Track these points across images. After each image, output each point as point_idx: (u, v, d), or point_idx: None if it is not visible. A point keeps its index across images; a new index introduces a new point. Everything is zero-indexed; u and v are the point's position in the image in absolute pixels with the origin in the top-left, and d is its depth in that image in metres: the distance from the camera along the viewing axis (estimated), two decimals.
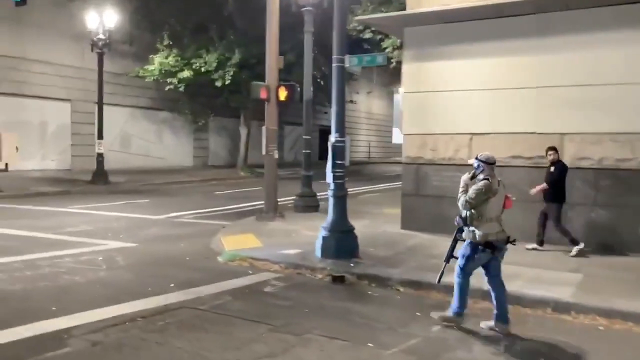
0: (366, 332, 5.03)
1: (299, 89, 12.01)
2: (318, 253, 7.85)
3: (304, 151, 13.10)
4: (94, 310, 5.33)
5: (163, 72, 22.87)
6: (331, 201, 7.95)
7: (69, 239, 9.26)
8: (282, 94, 11.54)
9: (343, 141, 7.92)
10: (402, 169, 10.65)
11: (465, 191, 5.19)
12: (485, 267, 5.29)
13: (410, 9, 9.89)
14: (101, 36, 18.77)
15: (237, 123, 28.81)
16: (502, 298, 5.27)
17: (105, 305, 5.51)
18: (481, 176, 5.19)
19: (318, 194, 13.14)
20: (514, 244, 5.33)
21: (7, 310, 5.34)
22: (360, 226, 8.74)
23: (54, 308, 5.38)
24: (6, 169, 16.08)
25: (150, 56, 23.33)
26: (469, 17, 9.46)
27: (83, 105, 24.10)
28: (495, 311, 5.24)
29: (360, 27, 16.98)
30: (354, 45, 21.37)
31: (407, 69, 10.23)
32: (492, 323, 5.25)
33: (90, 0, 19.38)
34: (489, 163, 5.21)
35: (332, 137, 7.93)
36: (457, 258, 5.34)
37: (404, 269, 7.24)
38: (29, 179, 19.08)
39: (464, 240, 5.23)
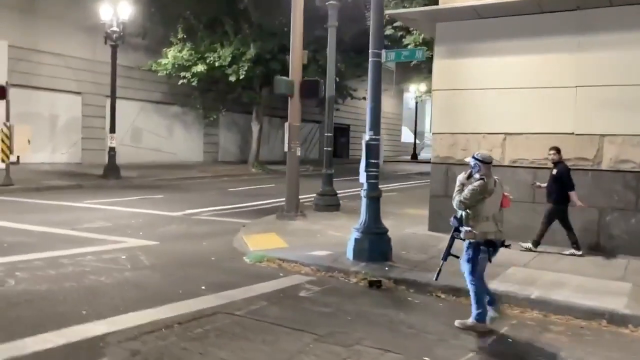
0: (418, 344, 4.71)
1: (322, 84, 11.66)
2: (350, 255, 7.54)
3: (325, 148, 12.80)
4: (126, 315, 5.02)
5: (176, 66, 22.53)
6: (364, 202, 7.62)
7: (88, 236, 8.96)
8: (306, 89, 11.21)
9: (378, 139, 7.60)
10: (430, 169, 10.30)
11: (461, 191, 5.12)
12: None
13: (444, 4, 9.53)
14: (115, 28, 18.45)
15: (247, 119, 28.53)
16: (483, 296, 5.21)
17: (137, 309, 5.21)
18: (477, 175, 5.12)
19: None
20: (508, 248, 5.31)
21: (35, 313, 5.04)
22: (387, 227, 8.43)
23: (84, 312, 5.07)
24: (17, 162, 15.79)
25: (164, 50, 23.00)
26: (505, 13, 9.10)
27: (94, 98, 23.80)
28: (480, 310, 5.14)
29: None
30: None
31: (438, 66, 9.88)
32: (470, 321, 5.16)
33: None
34: (486, 162, 5.13)
35: (367, 135, 7.61)
36: (456, 257, 5.30)
37: (442, 274, 6.91)
38: (40, 172, 18.81)
39: (463, 239, 5.16)
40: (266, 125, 28.73)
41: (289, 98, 11.40)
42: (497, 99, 9.39)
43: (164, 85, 25.47)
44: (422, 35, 14.81)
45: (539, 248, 8.45)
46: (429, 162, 11.05)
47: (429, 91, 33.60)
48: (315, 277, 6.92)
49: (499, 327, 5.23)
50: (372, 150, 7.49)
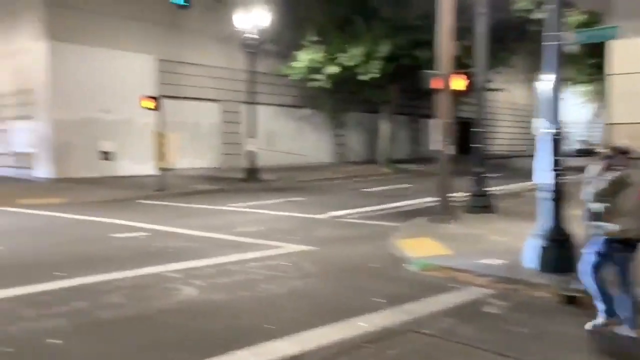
0: None
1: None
2: (530, 264, 6.72)
3: (474, 145, 11.91)
4: (312, 332, 4.73)
5: (309, 68, 22.74)
6: (547, 204, 6.76)
7: (245, 240, 9.02)
8: (458, 83, 10.47)
9: (560, 133, 6.70)
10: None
11: (595, 183, 4.72)
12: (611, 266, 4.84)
13: None
14: (252, 36, 18.96)
15: (371, 118, 28.21)
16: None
17: (319, 325, 4.91)
18: (614, 167, 4.71)
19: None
20: None
21: (220, 326, 4.93)
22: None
23: (266, 326, 4.88)
24: (170, 169, 16.74)
25: (294, 53, 23.32)
26: None
27: (230, 105, 24.85)
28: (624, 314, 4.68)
29: (531, 7, 15.28)
30: (513, 29, 19.60)
31: (619, 46, 8.65)
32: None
33: (239, 2, 19.68)
34: (624, 152, 4.76)
35: (544, 128, 6.73)
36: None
37: None
38: (186, 177, 19.88)
39: (603, 236, 4.72)
40: (394, 123, 28.13)
41: (438, 93, 10.72)
42: None
43: (294, 88, 25.89)
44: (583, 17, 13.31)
45: None
46: (575, 156, 9.79)
47: (568, 79, 30.72)
48: (494, 290, 6.23)
49: None
50: (557, 145, 6.61)
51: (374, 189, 18.21)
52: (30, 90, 20.56)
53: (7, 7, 21.35)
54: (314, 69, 22.85)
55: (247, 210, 13.08)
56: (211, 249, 8.28)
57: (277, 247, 8.52)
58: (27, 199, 14.56)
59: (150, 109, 16.64)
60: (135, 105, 18.88)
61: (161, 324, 4.90)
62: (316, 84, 23.44)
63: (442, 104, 10.78)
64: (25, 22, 20.57)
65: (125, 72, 21.05)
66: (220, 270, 6.88)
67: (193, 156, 23.62)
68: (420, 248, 8.23)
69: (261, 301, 5.66)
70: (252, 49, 19.16)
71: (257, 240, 9.06)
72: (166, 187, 16.56)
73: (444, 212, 10.71)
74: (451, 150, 10.78)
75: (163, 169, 16.77)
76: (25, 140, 21.03)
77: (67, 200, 14.84)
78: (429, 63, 19.53)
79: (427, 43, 20.47)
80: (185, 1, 14.99)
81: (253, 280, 6.42)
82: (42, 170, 20.13)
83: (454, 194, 11.98)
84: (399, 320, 5.09)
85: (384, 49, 21.22)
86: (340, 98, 25.81)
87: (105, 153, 20.67)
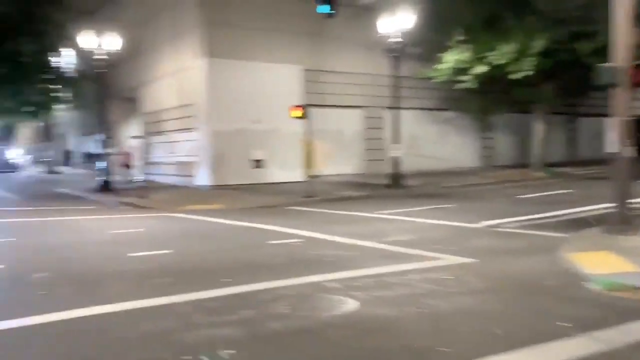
0: None
1: None
2: None
3: None
4: (496, 358, 4.26)
5: (455, 69, 21.89)
6: None
7: (398, 250, 8.71)
8: None
9: None
10: None
11: None
12: None
13: None
14: (396, 40, 18.68)
15: (521, 118, 26.41)
16: None
17: (503, 350, 4.40)
18: None
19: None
20: None
21: (394, 346, 4.61)
22: None
23: (441, 348, 4.49)
24: (318, 176, 17.06)
25: (439, 55, 22.58)
26: None
27: (373, 110, 24.81)
28: None
29: None
30: None
31: None
32: None
33: (384, 6, 19.51)
34: None
35: None
36: None
37: None
38: (331, 184, 20.12)
39: None
40: (549, 124, 25.99)
41: (614, 89, 9.49)
42: None
43: (438, 91, 25.11)
44: None
45: None
46: None
47: None
48: None
49: None
50: None
51: (529, 195, 16.89)
52: (191, 104, 22.35)
53: (175, 30, 23.49)
54: (460, 70, 21.91)
55: (395, 217, 12.78)
56: (365, 259, 8.10)
57: (433, 258, 8.08)
58: (189, 205, 15.73)
59: (298, 117, 17.10)
60: (283, 115, 19.61)
61: (331, 339, 4.75)
62: (462, 85, 22.46)
63: (619, 100, 9.52)
64: (187, 42, 22.44)
65: (273, 83, 21.98)
66: (379, 281, 6.63)
67: (337, 163, 23.92)
68: (601, 263, 7.27)
69: (429, 319, 5.29)
70: (396, 53, 18.86)
71: (410, 250, 8.70)
72: (314, 193, 16.87)
73: (622, 221, 9.44)
74: (631, 152, 9.47)
75: (311, 176, 17.13)
76: (188, 150, 22.88)
77: (224, 206, 15.76)
78: (592, 56, 17.76)
79: (588, 35, 18.64)
80: (331, 10, 15.20)
81: (415, 294, 6.07)
82: (202, 178, 21.72)
83: (634, 201, 10.58)
84: (594, 350, 4.41)
85: (539, 44, 19.64)
86: (488, 99, 24.47)
87: (257, 161, 21.73)
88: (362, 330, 4.94)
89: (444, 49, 22.42)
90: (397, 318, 5.25)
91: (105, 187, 20.58)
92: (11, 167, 39.93)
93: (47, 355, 4.43)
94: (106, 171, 21.24)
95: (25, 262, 8.20)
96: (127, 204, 17.04)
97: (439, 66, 22.52)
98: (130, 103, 28.83)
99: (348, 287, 6.31)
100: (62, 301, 5.93)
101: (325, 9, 14.87)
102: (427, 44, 22.87)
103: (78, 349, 4.52)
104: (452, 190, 19.14)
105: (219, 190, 20.05)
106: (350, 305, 5.63)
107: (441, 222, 11.88)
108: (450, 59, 21.97)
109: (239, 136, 21.46)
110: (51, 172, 36.14)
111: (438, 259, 8.04)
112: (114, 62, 22.22)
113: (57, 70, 36.08)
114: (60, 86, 35.71)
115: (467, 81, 22.14)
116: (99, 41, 20.39)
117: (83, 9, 29.10)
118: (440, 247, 8.89)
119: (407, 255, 8.36)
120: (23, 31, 31.59)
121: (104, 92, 22.66)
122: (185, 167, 23.19)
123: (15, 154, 45.33)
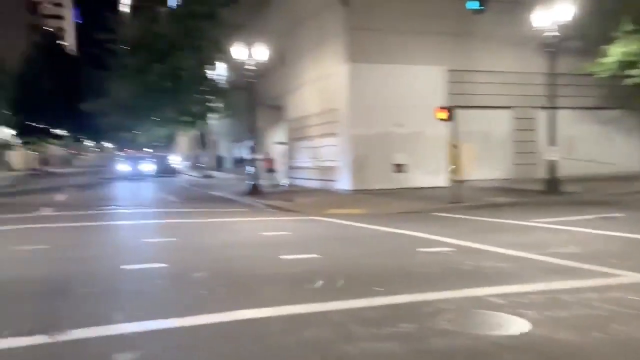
0: None
1: None
2: None
3: None
4: None
5: (621, 63, 19.61)
6: None
7: (566, 264, 7.79)
8: None
9: None
10: None
11: None
12: None
13: None
14: (552, 34, 17.17)
15: None
16: None
17: None
18: None
19: None
20: None
21: None
22: None
23: None
24: (464, 181, 16.24)
25: (602, 47, 20.36)
26: None
27: (523, 111, 23.19)
28: None
29: None
30: None
31: None
32: None
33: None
34: None
35: None
36: None
37: None
38: (477, 189, 19.05)
39: None
40: None
41: None
42: None
43: (600, 88, 22.68)
44: None
45: None
46: None
47: None
48: None
49: None
50: None
51: None
52: (334, 109, 22.66)
53: (318, 38, 24.09)
54: (628, 64, 19.55)
55: (556, 227, 11.63)
56: (529, 272, 7.35)
57: (609, 274, 7.10)
58: (332, 209, 15.82)
59: (443, 120, 16.45)
60: (425, 118, 19.02)
61: None
62: (630, 80, 20.02)
63: None
64: (330, 48, 22.82)
65: (416, 85, 21.48)
66: (551, 299, 5.91)
67: (484, 167, 22.67)
68: None
69: (622, 348, 4.52)
70: (552, 47, 17.33)
71: (579, 264, 7.74)
72: (460, 199, 16.08)
73: None
74: None
75: (455, 181, 16.37)
76: (330, 155, 23.23)
77: (367, 211, 15.60)
78: None
79: None
80: (480, 5, 14.38)
81: (599, 316, 5.28)
82: (343, 182, 21.88)
83: None
84: None
85: None
86: None
87: (398, 165, 21.35)
88: (542, 356, 4.35)
89: (609, 40, 20.17)
90: (581, 344, 4.56)
91: (255, 191, 21.60)
92: (172, 172, 43.97)
93: (214, 357, 4.48)
94: (255, 175, 22.32)
95: (186, 261, 8.67)
96: (273, 207, 17.65)
97: (603, 60, 20.30)
98: (276, 110, 30.09)
99: (515, 304, 5.69)
100: (221, 302, 6.09)
101: (474, 4, 14.11)
102: (588, 36, 20.75)
103: (241, 353, 4.52)
104: (619, 197, 17.10)
105: (360, 194, 20.01)
106: (520, 325, 5.04)
107: (611, 233, 10.58)
108: (617, 51, 19.71)
109: (380, 140, 21.27)
110: (205, 176, 39.10)
111: (615, 275, 7.05)
112: (261, 72, 23.31)
113: (211, 82, 39.09)
114: (214, 97, 38.60)
115: (637, 76, 19.69)
116: (249, 52, 21.51)
117: (234, 22, 31.09)
118: (615, 261, 7.82)
119: (577, 269, 7.45)
120: (183, 47, 34.62)
121: (253, 100, 23.84)
122: (327, 172, 23.56)
123: (175, 160, 49.96)
